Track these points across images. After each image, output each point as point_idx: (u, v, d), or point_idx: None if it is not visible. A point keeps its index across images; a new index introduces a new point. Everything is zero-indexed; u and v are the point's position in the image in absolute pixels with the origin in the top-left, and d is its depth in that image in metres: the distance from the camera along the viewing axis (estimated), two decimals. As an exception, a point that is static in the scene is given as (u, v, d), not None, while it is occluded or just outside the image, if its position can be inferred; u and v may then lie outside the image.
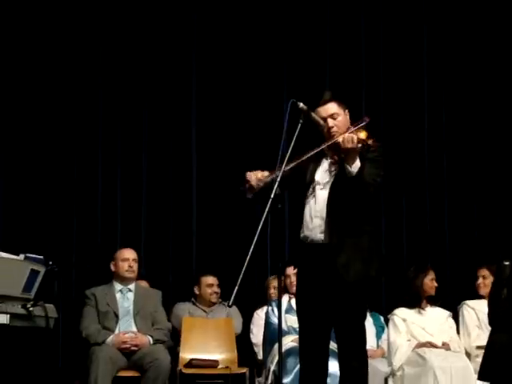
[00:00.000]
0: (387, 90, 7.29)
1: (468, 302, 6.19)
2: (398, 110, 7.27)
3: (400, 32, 7.34)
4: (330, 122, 4.26)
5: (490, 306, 4.71)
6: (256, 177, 4.20)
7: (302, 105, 4.14)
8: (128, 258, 5.99)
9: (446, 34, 7.35)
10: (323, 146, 4.17)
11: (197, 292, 6.52)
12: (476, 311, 6.07)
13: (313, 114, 4.22)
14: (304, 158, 4.15)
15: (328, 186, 4.24)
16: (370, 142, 4.08)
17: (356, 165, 4.07)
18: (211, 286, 6.47)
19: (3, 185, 6.83)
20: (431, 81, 7.32)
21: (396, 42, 7.34)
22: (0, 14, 6.94)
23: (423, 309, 6.05)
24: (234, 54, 7.22)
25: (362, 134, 4.06)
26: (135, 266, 6.01)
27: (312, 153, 4.16)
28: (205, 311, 6.46)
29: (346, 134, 4.04)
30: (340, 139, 4.05)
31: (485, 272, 6.16)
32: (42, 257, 5.42)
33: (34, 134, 6.91)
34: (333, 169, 4.25)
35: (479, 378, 4.62)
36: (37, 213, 6.80)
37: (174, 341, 6.16)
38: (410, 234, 7.16)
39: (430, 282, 6.06)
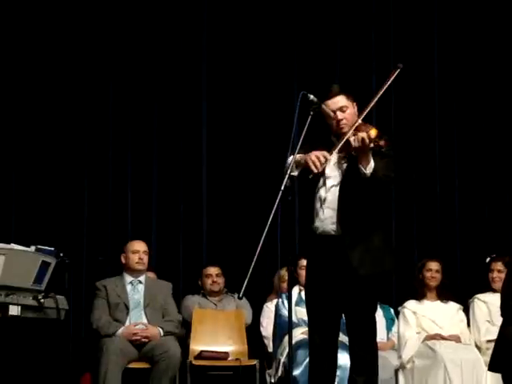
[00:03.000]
0: (398, 82, 7.24)
1: (479, 295, 6.16)
2: (409, 105, 7.25)
3: (411, 26, 7.31)
4: (340, 114, 4.28)
5: (502, 297, 4.68)
6: (321, 162, 4.09)
7: (312, 97, 4.15)
8: (138, 250, 6.00)
9: (456, 29, 7.33)
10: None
11: (200, 284, 6.56)
12: (488, 304, 6.04)
13: (323, 106, 4.23)
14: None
15: (338, 180, 4.24)
16: (381, 142, 4.07)
17: (370, 166, 4.08)
18: (210, 276, 6.51)
19: (15, 177, 6.84)
20: (442, 76, 7.30)
21: (406, 35, 7.31)
22: (12, 13, 6.95)
23: (433, 302, 6.05)
24: (244, 47, 7.20)
25: (373, 132, 4.05)
26: (145, 259, 6.01)
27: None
28: (214, 303, 6.48)
29: (362, 134, 4.04)
30: (352, 139, 4.05)
31: (500, 266, 6.13)
32: (53, 248, 5.44)
33: (45, 128, 6.91)
34: (343, 162, 4.25)
35: (490, 369, 4.60)
36: (48, 205, 6.81)
37: (184, 328, 6.18)
38: (420, 226, 7.14)
39: (427, 273, 6.07)
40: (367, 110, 4.18)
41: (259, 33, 7.20)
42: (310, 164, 4.07)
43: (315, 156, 4.08)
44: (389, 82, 4.17)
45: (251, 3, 7.24)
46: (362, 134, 4.03)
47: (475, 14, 7.34)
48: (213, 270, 6.54)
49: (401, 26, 7.33)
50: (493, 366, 4.51)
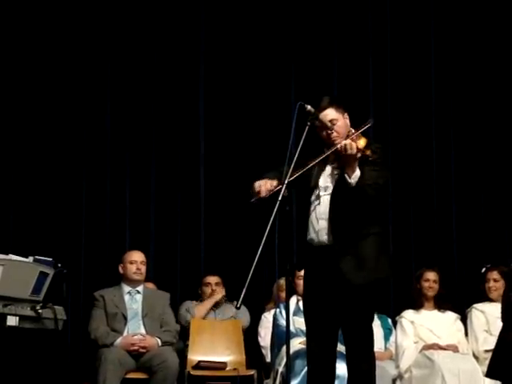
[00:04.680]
0: (395, 91, 7.29)
1: (477, 305, 6.15)
2: (406, 112, 7.27)
3: (407, 32, 7.34)
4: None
5: (503, 303, 4.66)
6: (266, 188, 4.16)
7: (309, 107, 4.17)
8: (136, 260, 6.01)
9: (453, 33, 7.35)
10: (327, 153, 4.18)
11: (200, 292, 6.58)
12: (486, 314, 6.03)
13: (320, 117, 4.24)
14: (309, 166, 4.17)
15: (330, 190, 4.26)
16: (368, 152, 4.10)
17: (355, 175, 4.11)
18: (209, 284, 6.52)
19: (13, 188, 6.85)
20: (439, 83, 7.32)
21: (403, 42, 7.34)
22: (11, 15, 6.96)
23: (430, 311, 6.06)
24: (242, 57, 7.22)
25: (362, 142, 4.10)
26: (143, 269, 6.02)
27: (316, 161, 4.18)
28: (212, 309, 6.49)
29: (347, 141, 4.07)
30: (338, 146, 4.08)
31: (496, 275, 6.14)
32: (50, 259, 5.44)
33: (43, 137, 6.93)
34: (335, 173, 4.28)
35: (487, 376, 4.59)
36: (46, 215, 6.82)
37: (181, 340, 6.18)
38: (417, 235, 7.15)
39: (425, 283, 6.08)
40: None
41: (257, 43, 7.22)
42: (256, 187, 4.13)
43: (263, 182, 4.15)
44: (350, 136, 4.17)
45: (249, 13, 7.26)
46: (348, 141, 4.05)
47: (472, 15, 7.35)
48: (212, 279, 6.54)
49: (398, 33, 7.35)
50: (491, 373, 4.49)
